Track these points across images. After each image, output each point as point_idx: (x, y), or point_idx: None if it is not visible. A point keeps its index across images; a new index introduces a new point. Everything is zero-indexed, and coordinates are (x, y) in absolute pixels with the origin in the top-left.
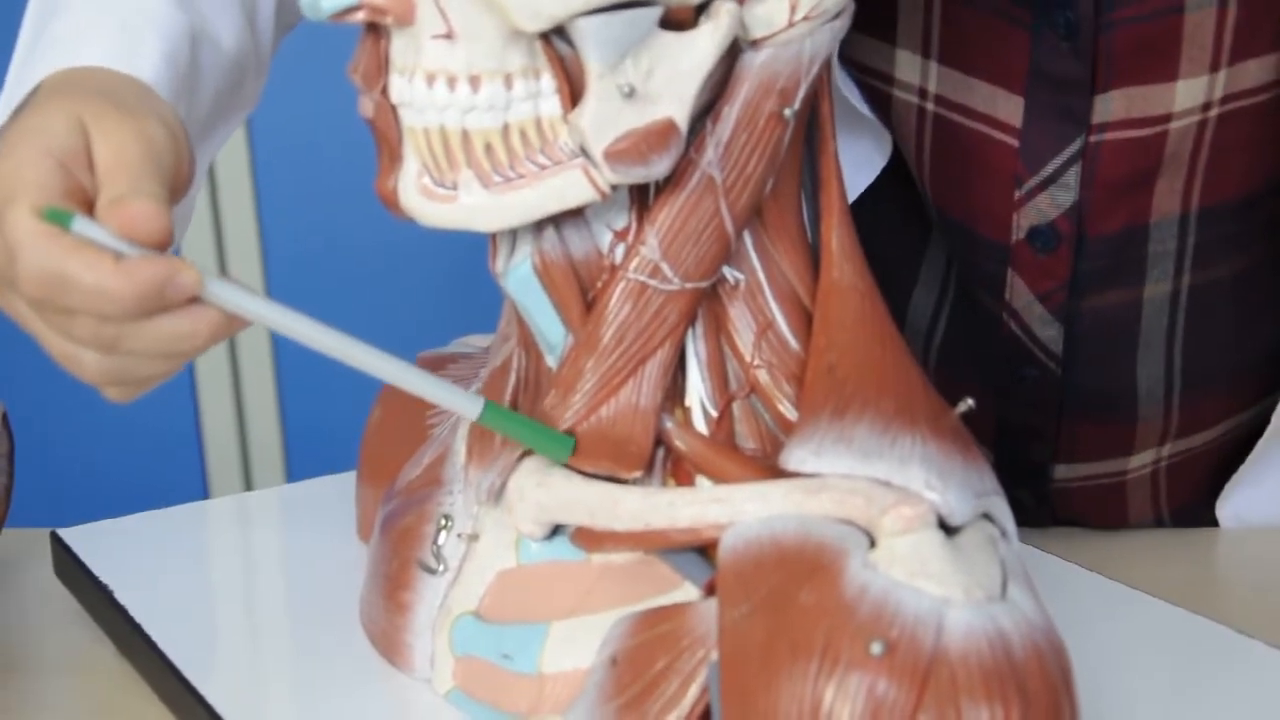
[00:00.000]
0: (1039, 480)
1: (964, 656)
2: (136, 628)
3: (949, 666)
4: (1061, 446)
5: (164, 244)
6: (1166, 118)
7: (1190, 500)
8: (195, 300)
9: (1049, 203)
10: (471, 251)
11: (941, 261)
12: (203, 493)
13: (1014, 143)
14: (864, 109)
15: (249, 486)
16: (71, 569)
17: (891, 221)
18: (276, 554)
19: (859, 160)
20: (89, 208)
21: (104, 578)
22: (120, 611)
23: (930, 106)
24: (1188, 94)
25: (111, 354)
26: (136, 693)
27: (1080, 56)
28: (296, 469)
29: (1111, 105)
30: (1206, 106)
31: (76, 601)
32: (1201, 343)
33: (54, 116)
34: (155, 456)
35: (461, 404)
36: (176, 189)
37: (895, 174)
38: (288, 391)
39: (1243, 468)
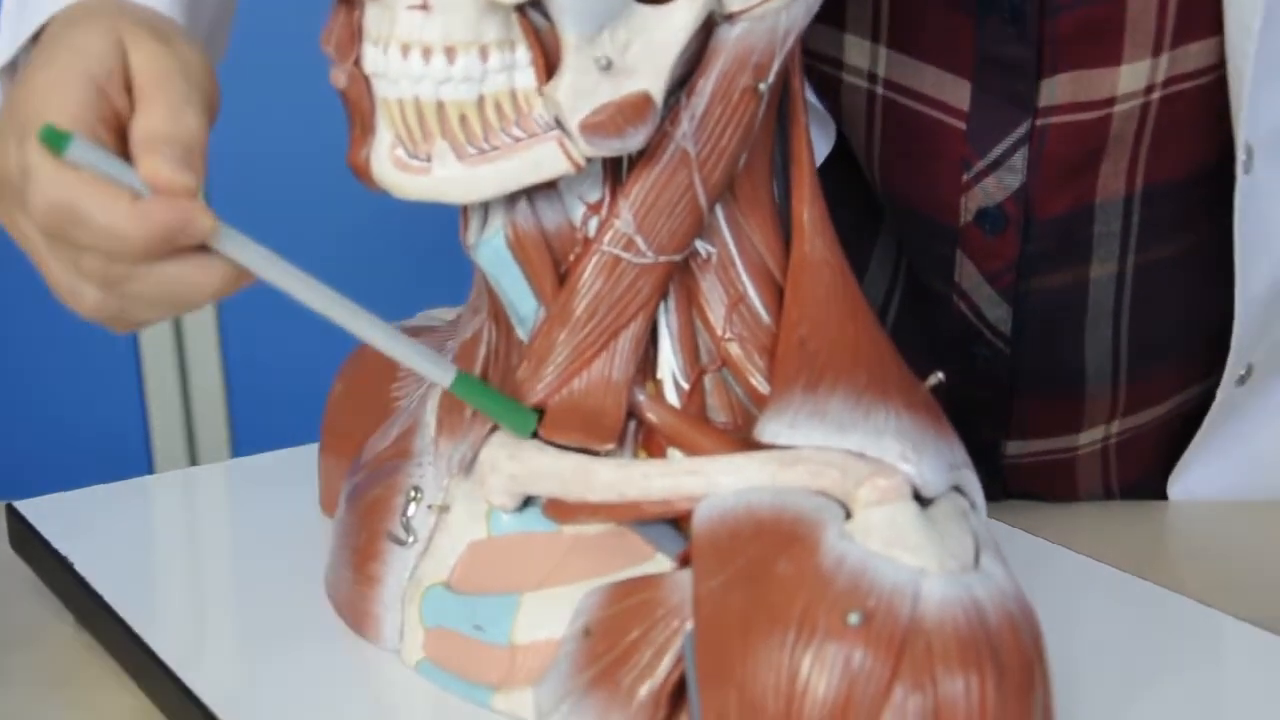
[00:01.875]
0: (991, 457)
1: (940, 626)
2: (98, 600)
3: (925, 636)
4: (1013, 424)
5: (190, 194)
6: (1110, 101)
7: (1140, 476)
8: (204, 250)
9: (996, 185)
10: (434, 224)
11: (892, 247)
12: (147, 468)
13: (962, 126)
14: (810, 97)
15: (194, 462)
16: (28, 541)
17: (839, 209)
18: (237, 525)
19: None
20: (122, 133)
21: (63, 550)
22: (81, 583)
23: (880, 91)
24: (1131, 77)
25: (115, 294)
26: (97, 664)
27: (1026, 41)
28: (243, 443)
29: (1057, 89)
30: (1149, 89)
31: (33, 574)
32: (1147, 321)
33: (93, 35)
34: (98, 432)
35: (436, 372)
36: (210, 117)
37: (841, 161)
38: (233, 367)
39: (1191, 446)
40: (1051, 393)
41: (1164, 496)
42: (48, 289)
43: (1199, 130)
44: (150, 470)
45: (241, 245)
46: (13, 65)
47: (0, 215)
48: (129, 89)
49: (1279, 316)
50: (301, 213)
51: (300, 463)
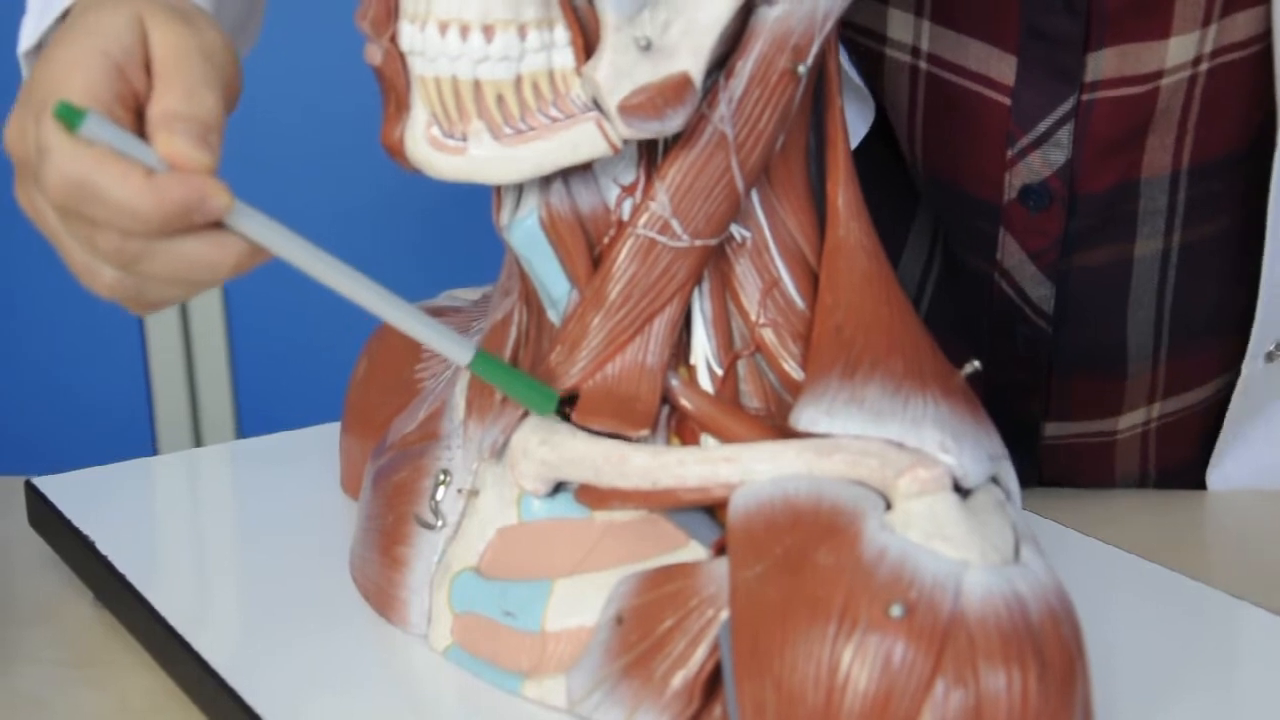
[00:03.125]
0: (1029, 439)
1: (982, 619)
2: (118, 577)
3: (967, 629)
4: (1052, 405)
5: (206, 171)
6: (1159, 74)
7: (1178, 465)
8: (220, 227)
9: (1041, 161)
10: (459, 203)
11: (928, 227)
12: (151, 449)
13: (1007, 101)
14: (851, 73)
15: (198, 443)
16: (48, 518)
17: (876, 188)
18: (257, 505)
19: None
20: (139, 113)
21: (83, 527)
22: (101, 561)
23: (923, 65)
24: (1180, 49)
25: (131, 272)
26: (116, 641)
27: (1074, 14)
28: (248, 424)
29: (1104, 63)
30: (1197, 61)
31: (52, 551)
32: (1191, 300)
33: (113, 15)
34: (103, 411)
35: (455, 350)
36: (230, 100)
37: (879, 139)
38: (239, 347)
39: (1224, 430)
40: (1092, 373)
41: (1203, 487)
42: (53, 270)
43: (1245, 103)
44: (154, 450)
45: (258, 222)
46: (38, 48)
47: (19, 195)
48: (148, 69)
49: None
50: (324, 191)
51: (315, 443)
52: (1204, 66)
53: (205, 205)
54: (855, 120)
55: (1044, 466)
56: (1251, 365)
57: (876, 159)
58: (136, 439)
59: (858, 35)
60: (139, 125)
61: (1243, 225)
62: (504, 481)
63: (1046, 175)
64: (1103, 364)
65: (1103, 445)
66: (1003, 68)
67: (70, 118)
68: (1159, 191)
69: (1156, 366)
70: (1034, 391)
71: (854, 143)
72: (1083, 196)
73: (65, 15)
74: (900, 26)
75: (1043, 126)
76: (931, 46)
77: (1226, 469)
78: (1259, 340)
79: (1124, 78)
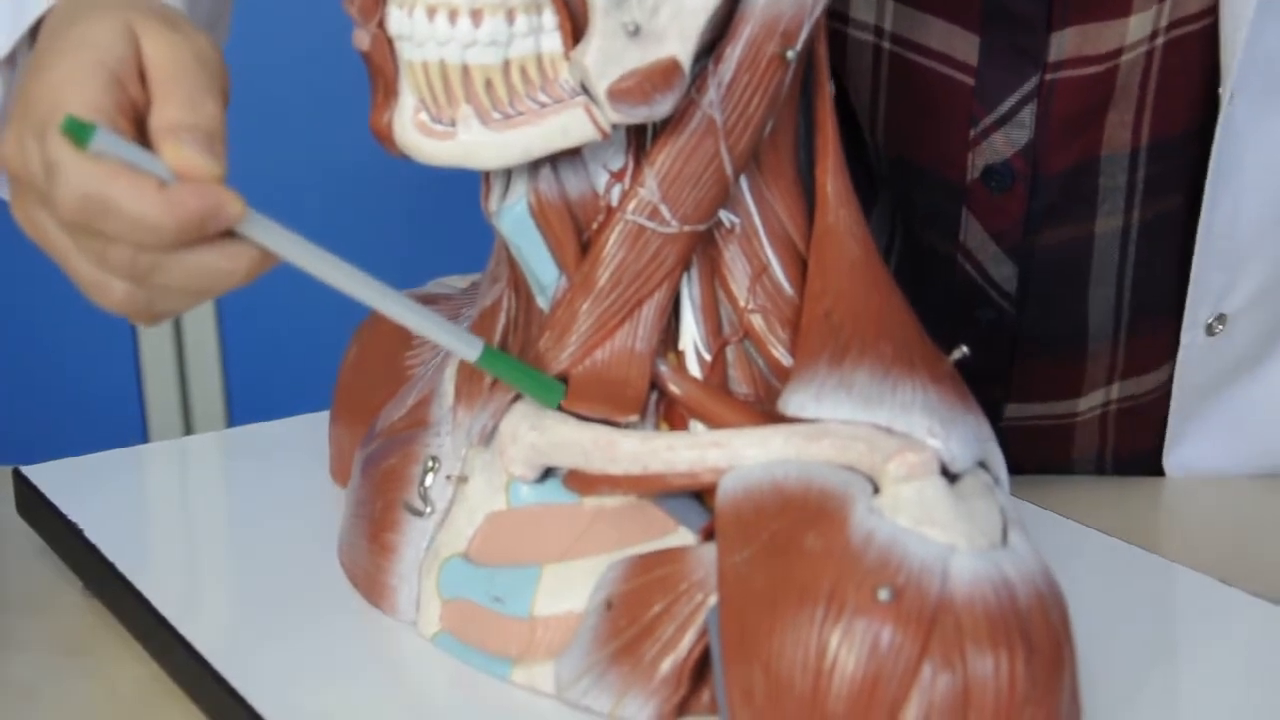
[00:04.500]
0: (990, 420)
1: (969, 603)
2: (107, 565)
3: (954, 613)
4: (1013, 387)
5: (217, 180)
6: (1118, 52)
7: (1136, 450)
8: (232, 235)
9: (1004, 141)
10: (447, 190)
11: (888, 210)
12: (141, 437)
13: (970, 81)
14: None
15: (189, 431)
16: (36, 506)
17: None
18: (246, 493)
19: None
20: (140, 123)
21: (71, 515)
22: (90, 549)
23: (886, 45)
24: (1138, 26)
25: (143, 285)
26: (106, 630)
27: None
28: (238, 413)
29: (1066, 42)
30: (1154, 36)
31: (40, 539)
32: (1149, 278)
33: (103, 26)
34: (93, 401)
35: (463, 347)
36: (225, 103)
37: (837, 120)
38: (230, 337)
39: (1174, 407)
40: (1054, 354)
41: (1157, 472)
42: (42, 261)
43: (1198, 78)
44: (145, 439)
45: (269, 230)
46: (11, 59)
47: (18, 214)
48: (143, 79)
49: (1254, 263)
50: (312, 178)
51: (304, 431)
52: (1160, 41)
53: (220, 214)
54: None
55: (1006, 448)
56: (1191, 336)
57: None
58: (127, 427)
59: None
60: (141, 136)
61: (1198, 203)
62: (493, 467)
63: (1009, 155)
64: (1064, 344)
65: (1062, 427)
66: (966, 47)
67: (78, 133)
68: (1119, 169)
69: (1116, 347)
70: (995, 375)
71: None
72: (1045, 176)
73: (38, 26)
74: (863, 6)
75: (1005, 106)
76: (894, 26)
77: (1185, 454)
78: (1194, 311)
79: (1085, 56)
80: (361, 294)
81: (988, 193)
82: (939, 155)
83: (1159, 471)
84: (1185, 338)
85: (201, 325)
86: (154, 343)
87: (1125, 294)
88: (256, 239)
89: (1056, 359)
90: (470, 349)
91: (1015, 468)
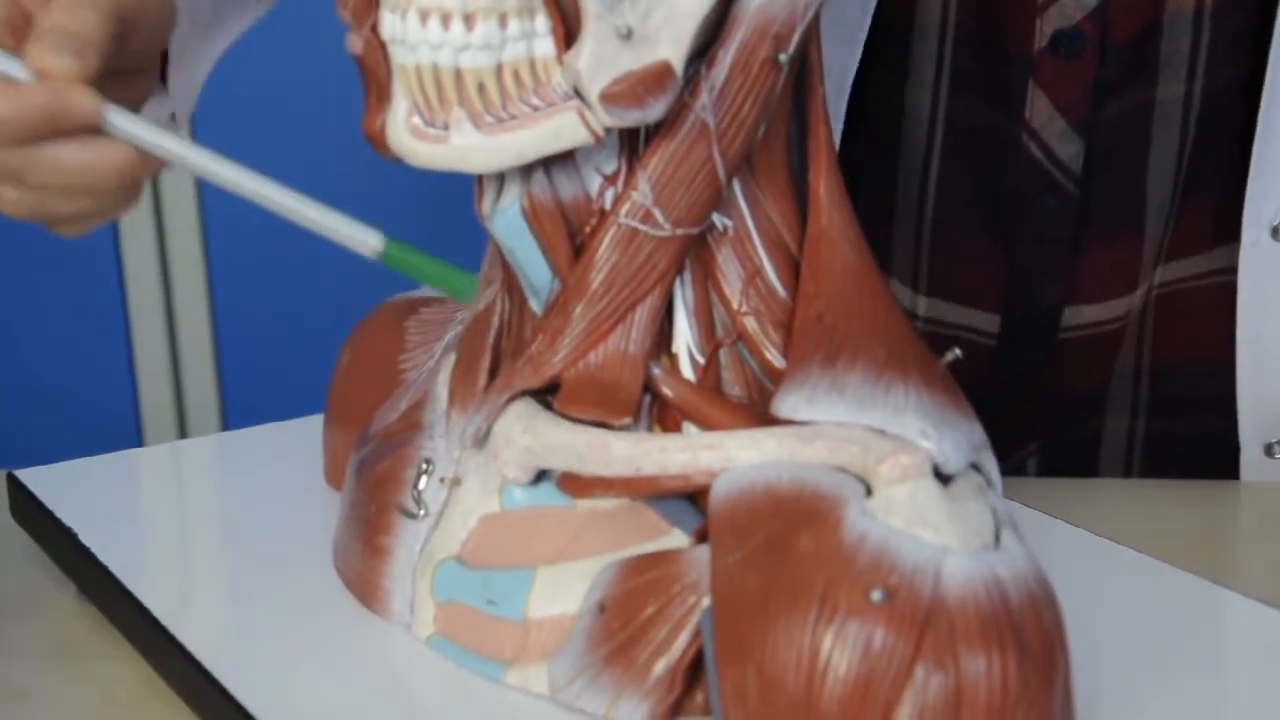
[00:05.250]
0: (1048, 330)
1: (962, 604)
2: (101, 569)
3: (947, 615)
4: (1072, 284)
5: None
6: None
7: (1170, 362)
8: (100, 134)
9: (1073, 4)
10: (442, 193)
11: (926, 99)
12: (136, 441)
13: None
14: None
15: (183, 435)
16: (30, 511)
17: (884, 68)
18: (240, 497)
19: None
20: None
21: (66, 519)
22: (84, 553)
23: None
24: None
25: (22, 187)
26: (100, 634)
27: None
28: (233, 417)
29: None
30: None
31: (35, 543)
32: (1205, 153)
33: None
34: (87, 404)
35: (358, 238)
36: (129, 22)
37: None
38: (224, 341)
39: (1240, 311)
40: (1113, 237)
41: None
42: (37, 262)
43: None
44: (139, 443)
45: (132, 124)
46: None
47: None
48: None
49: None
50: (305, 180)
51: (298, 434)
52: None
53: (68, 110)
54: None
55: (1056, 364)
56: (1253, 235)
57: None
58: (121, 431)
59: None
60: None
61: (1262, 75)
62: (486, 470)
63: (1078, 19)
64: (1123, 227)
65: (1112, 335)
66: None
67: None
68: (1182, 31)
69: (1167, 227)
70: (1056, 271)
71: (868, 9)
72: (1112, 42)
73: None
74: None
75: None
76: None
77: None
78: (1256, 206)
79: None
80: (241, 187)
81: (1056, 61)
82: (1007, 24)
83: (1186, 375)
84: (1247, 236)
85: (196, 329)
86: (149, 346)
87: (1182, 169)
88: (120, 133)
89: (1116, 245)
90: (370, 240)
91: (1058, 401)
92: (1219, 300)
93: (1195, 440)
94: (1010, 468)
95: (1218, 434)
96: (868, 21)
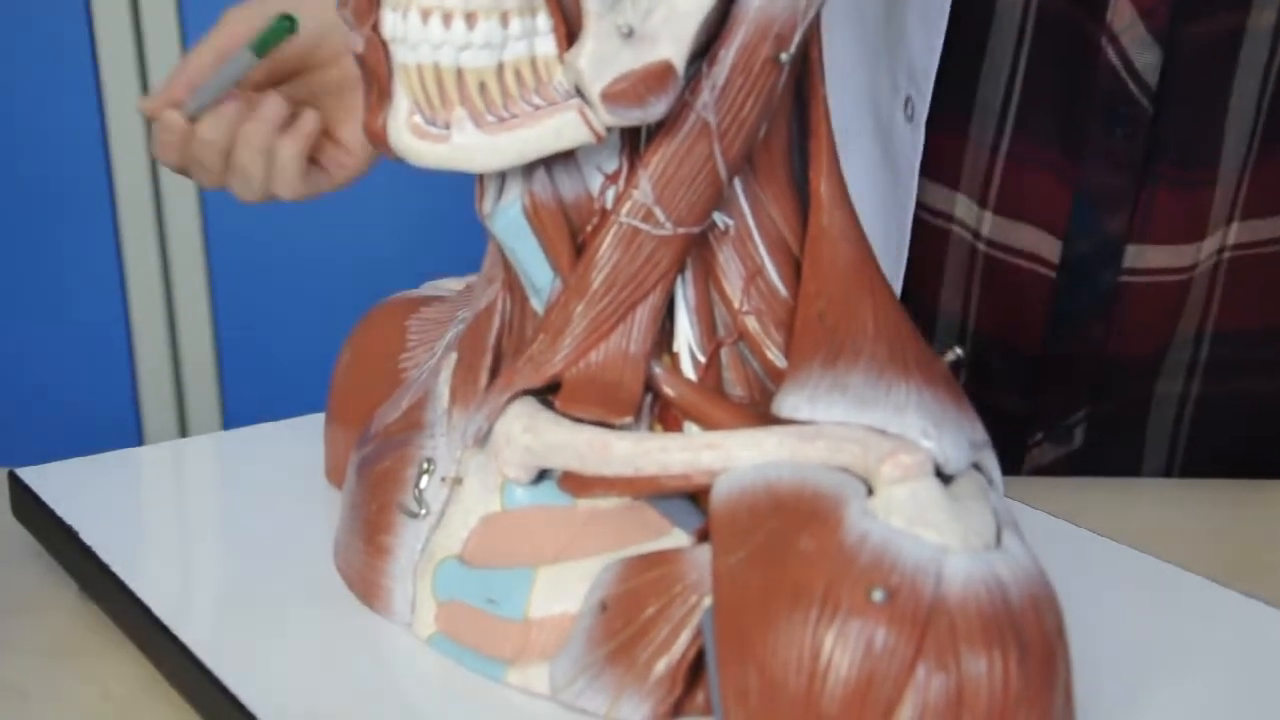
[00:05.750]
0: (1109, 266)
1: (963, 604)
2: (102, 567)
3: (948, 614)
4: (1137, 219)
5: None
6: None
7: (1237, 329)
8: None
9: None
10: (442, 193)
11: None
12: (137, 439)
13: None
14: None
15: (184, 434)
16: (31, 509)
17: None
18: (241, 494)
19: None
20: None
21: (67, 518)
22: (85, 551)
23: None
24: None
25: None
26: (101, 632)
27: None
28: (233, 416)
29: None
30: None
31: (35, 541)
32: None
33: None
34: (88, 403)
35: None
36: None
37: None
38: (225, 341)
39: None
40: (1185, 176)
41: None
42: (37, 262)
43: None
44: (140, 441)
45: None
46: None
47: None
48: None
49: None
50: None
51: (299, 433)
52: None
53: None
54: None
55: (1112, 320)
56: None
57: None
58: (122, 430)
59: None
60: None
61: None
62: (487, 469)
63: None
64: (1196, 164)
65: (1178, 286)
66: None
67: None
68: None
69: (1243, 176)
70: (1122, 199)
71: None
72: None
73: None
74: None
75: None
76: None
77: None
78: None
79: None
80: None
81: None
82: None
83: (1251, 348)
84: None
85: (197, 328)
86: (149, 345)
87: (1264, 108)
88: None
89: (1186, 183)
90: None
91: (1119, 353)
92: None
93: (1246, 399)
94: (1058, 435)
95: (1270, 392)
96: None
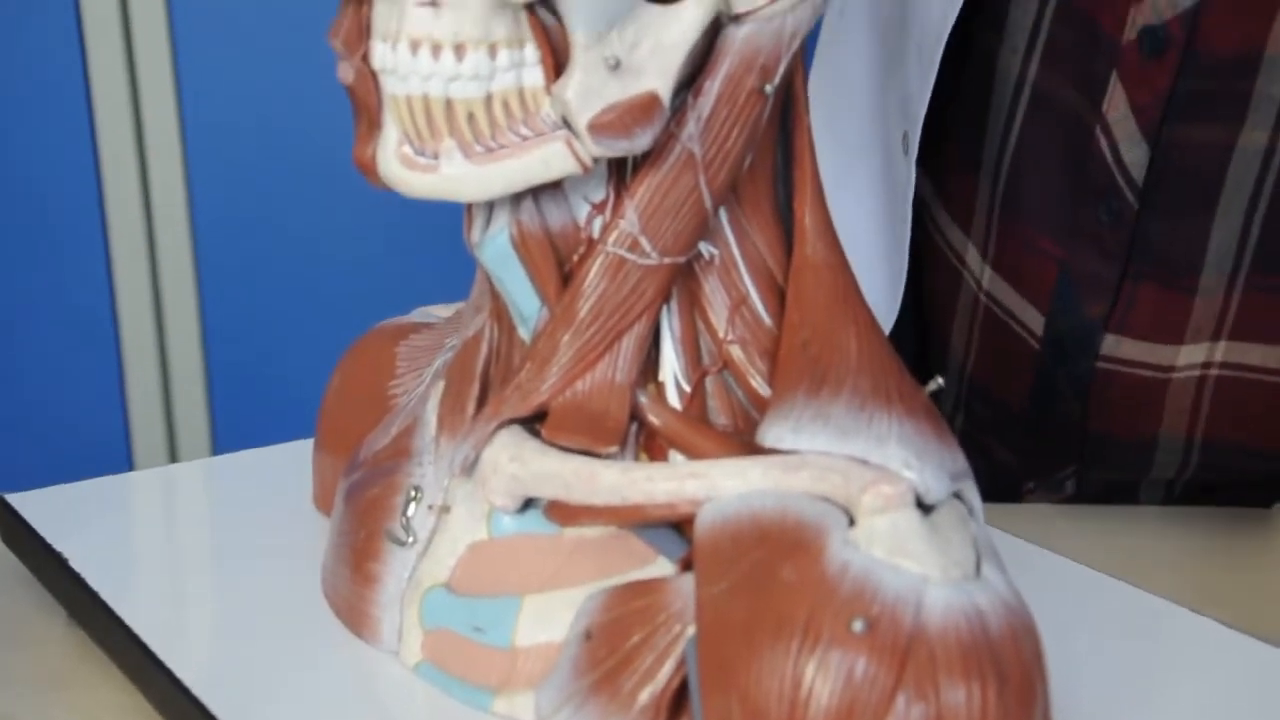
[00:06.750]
0: (1086, 351)
1: (943, 634)
2: (92, 595)
3: (928, 644)
4: (1117, 310)
5: None
6: None
7: (1230, 441)
8: None
9: (1166, 2)
10: (431, 221)
11: (1015, 62)
12: (127, 465)
13: None
14: None
15: (173, 459)
16: (20, 535)
17: (983, 25)
18: (231, 521)
19: None
20: None
21: (56, 545)
22: (75, 578)
23: None
24: None
25: None
26: (90, 660)
27: None
28: (223, 441)
29: None
30: None
31: (23, 568)
32: None
33: None
34: (77, 428)
35: None
36: None
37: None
38: (215, 365)
39: None
40: (1165, 277)
41: (1244, 465)
42: (27, 287)
43: None
44: (130, 467)
45: None
46: None
47: None
48: None
49: None
50: (301, 209)
51: (288, 459)
52: None
53: None
54: None
55: (1092, 401)
56: None
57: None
58: (111, 455)
59: None
60: None
61: None
62: (474, 498)
63: (1169, 17)
64: (1178, 268)
65: (1156, 384)
66: None
67: None
68: (1278, 74)
69: (1230, 293)
70: (1104, 287)
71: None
72: (1200, 53)
73: None
74: None
75: None
76: None
77: None
78: None
79: None
80: None
81: (1139, 57)
82: (1107, 5)
83: (1241, 461)
84: None
85: (186, 353)
86: (139, 370)
87: (1253, 230)
88: None
89: (1167, 284)
90: None
91: (1102, 434)
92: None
93: (1238, 486)
94: (1050, 485)
95: (1264, 479)
96: None
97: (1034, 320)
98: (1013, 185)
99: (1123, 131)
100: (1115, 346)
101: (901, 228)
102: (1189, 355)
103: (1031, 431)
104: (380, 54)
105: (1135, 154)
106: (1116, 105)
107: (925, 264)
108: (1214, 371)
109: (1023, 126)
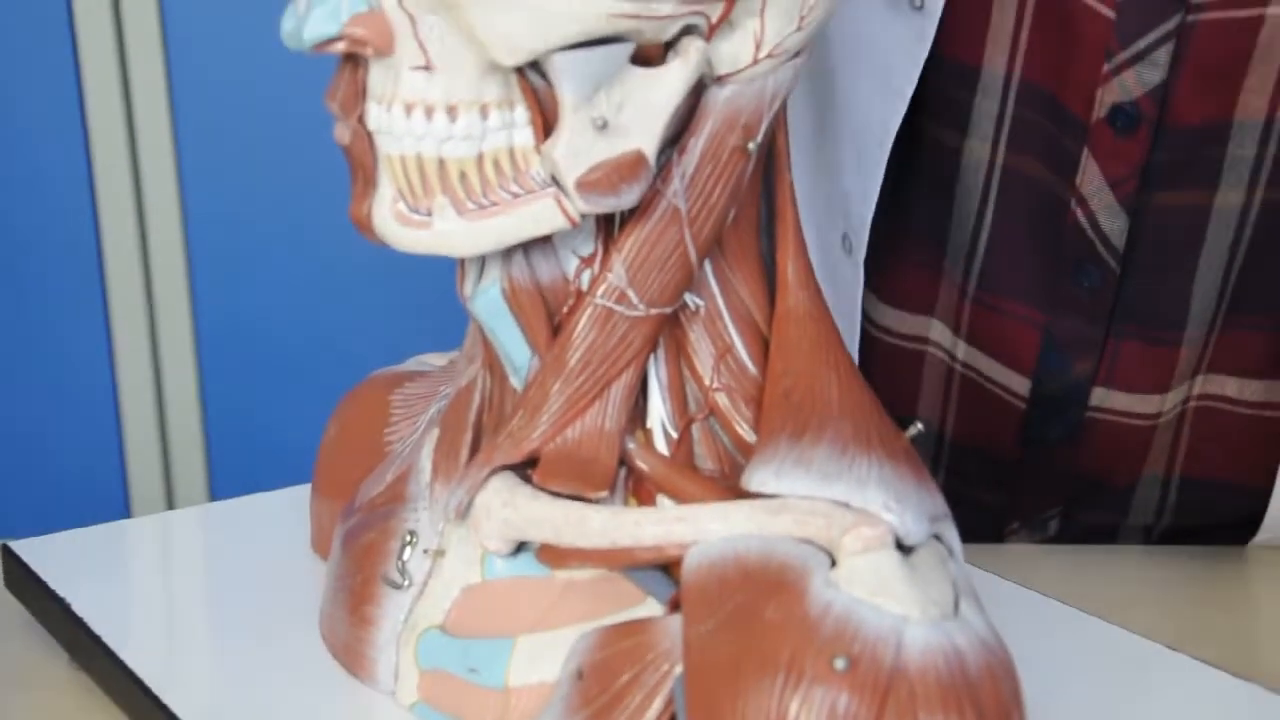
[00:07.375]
0: (1075, 404)
1: (922, 672)
2: (97, 640)
3: (908, 682)
4: (1103, 366)
5: None
6: (1265, 1)
7: (1204, 477)
8: None
9: (1135, 80)
10: (426, 274)
11: (987, 138)
12: (124, 511)
13: (1111, 15)
14: None
15: (170, 505)
16: (24, 582)
17: (934, 118)
18: (232, 566)
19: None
20: None
21: (59, 590)
22: (79, 624)
23: None
24: None
25: None
26: (93, 703)
27: None
28: (220, 488)
29: None
30: None
31: (28, 614)
32: (1260, 268)
33: None
34: (74, 474)
35: None
36: None
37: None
38: (212, 412)
39: None
40: (1149, 333)
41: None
42: (24, 332)
43: None
44: (127, 512)
45: None
46: None
47: None
48: None
49: None
50: (300, 261)
51: (286, 504)
52: None
53: None
54: (912, 43)
55: (1083, 448)
56: None
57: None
58: (109, 501)
59: None
60: None
61: None
62: (468, 542)
63: (1138, 95)
64: (1162, 324)
65: (1142, 430)
66: None
67: None
68: (1249, 139)
69: (1210, 336)
70: (1089, 347)
71: (917, 63)
72: (1171, 126)
73: None
74: None
75: (1142, 43)
76: None
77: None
78: None
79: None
80: None
81: (1111, 134)
82: (1072, 86)
83: (1216, 502)
84: None
85: (184, 399)
86: (136, 416)
87: (1231, 278)
88: None
89: (1152, 340)
90: None
91: (1092, 479)
92: (1260, 431)
93: (1215, 531)
94: (1033, 526)
95: (1240, 522)
96: (916, 74)
97: (1019, 384)
98: (989, 262)
99: (1099, 203)
100: (1104, 398)
101: (849, 324)
102: (1173, 398)
103: (1019, 475)
104: (375, 115)
105: (1115, 223)
106: (1090, 180)
107: (873, 352)
108: (1192, 404)
109: (995, 206)
